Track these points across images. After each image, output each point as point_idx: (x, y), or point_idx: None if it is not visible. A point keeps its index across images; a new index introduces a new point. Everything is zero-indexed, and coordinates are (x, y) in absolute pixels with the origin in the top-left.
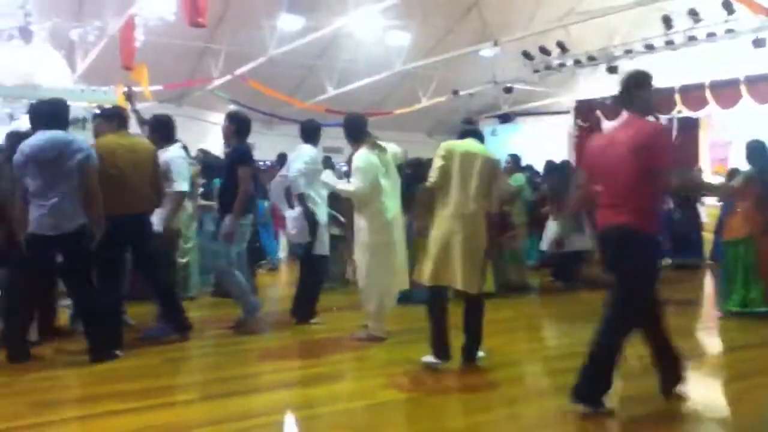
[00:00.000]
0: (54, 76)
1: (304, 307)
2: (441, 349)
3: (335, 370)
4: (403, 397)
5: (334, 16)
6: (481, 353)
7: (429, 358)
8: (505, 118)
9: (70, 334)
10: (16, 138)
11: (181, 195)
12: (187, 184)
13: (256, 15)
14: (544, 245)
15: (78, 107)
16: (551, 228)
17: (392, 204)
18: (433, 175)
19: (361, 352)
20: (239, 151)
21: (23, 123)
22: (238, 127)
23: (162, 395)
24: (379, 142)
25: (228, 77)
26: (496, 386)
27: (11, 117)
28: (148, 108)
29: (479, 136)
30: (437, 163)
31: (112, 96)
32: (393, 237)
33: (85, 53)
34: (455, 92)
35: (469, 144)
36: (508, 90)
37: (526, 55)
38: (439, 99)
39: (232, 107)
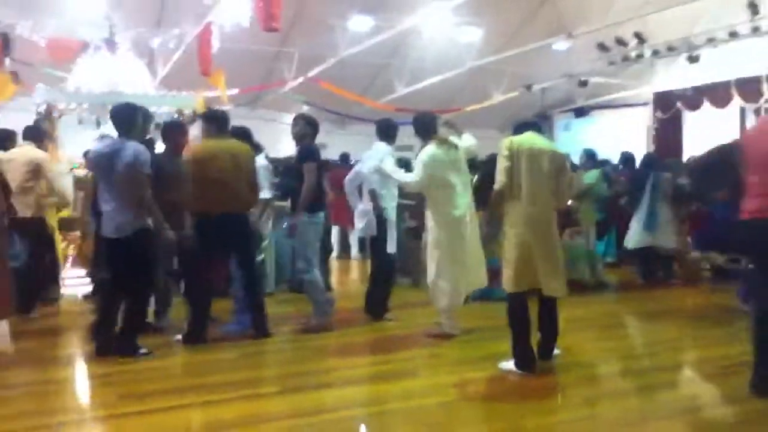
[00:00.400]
0: (136, 84)
1: (376, 304)
2: (526, 360)
3: (408, 366)
4: (477, 395)
5: (404, 15)
6: (556, 350)
7: (509, 365)
8: (580, 112)
9: (159, 330)
10: None
11: (265, 201)
12: (270, 192)
13: (327, 17)
14: (630, 242)
15: (162, 112)
16: (635, 225)
17: (462, 201)
18: (500, 177)
19: (434, 348)
20: (306, 150)
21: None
22: (306, 128)
23: (240, 388)
24: (450, 138)
25: (301, 79)
26: (572, 386)
27: (99, 123)
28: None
29: (539, 129)
30: (503, 163)
31: (191, 101)
32: (462, 234)
33: (165, 61)
34: (528, 87)
35: (533, 138)
36: (583, 83)
37: (602, 47)
38: (511, 94)
39: (305, 108)
